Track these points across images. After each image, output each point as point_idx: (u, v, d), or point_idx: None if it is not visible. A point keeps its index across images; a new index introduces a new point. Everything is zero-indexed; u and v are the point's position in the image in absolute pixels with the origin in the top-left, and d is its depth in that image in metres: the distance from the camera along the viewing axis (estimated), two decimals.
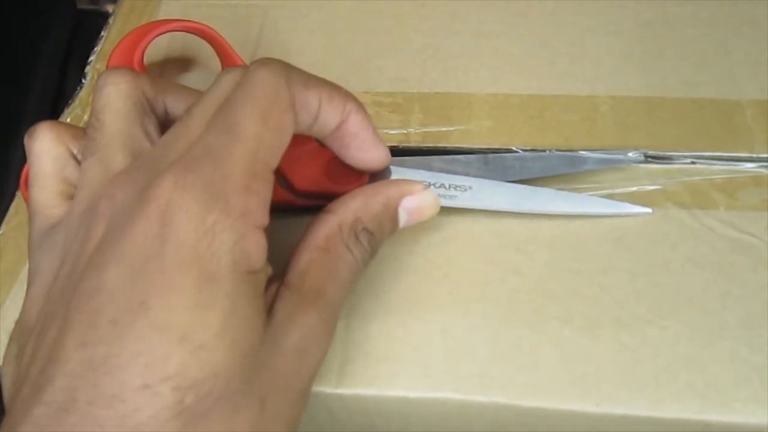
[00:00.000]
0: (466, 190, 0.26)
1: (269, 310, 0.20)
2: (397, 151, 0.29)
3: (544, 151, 0.28)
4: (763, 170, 0.27)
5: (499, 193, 0.26)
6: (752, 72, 0.30)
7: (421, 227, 0.26)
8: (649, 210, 0.26)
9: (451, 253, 0.26)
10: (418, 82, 0.31)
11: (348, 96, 0.22)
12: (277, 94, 0.19)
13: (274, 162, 0.20)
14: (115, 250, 0.17)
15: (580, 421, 0.23)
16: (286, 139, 0.20)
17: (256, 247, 0.18)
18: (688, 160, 0.28)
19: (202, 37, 0.31)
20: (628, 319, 0.24)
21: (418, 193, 0.23)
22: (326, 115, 0.21)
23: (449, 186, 0.26)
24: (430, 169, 0.27)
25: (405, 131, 0.30)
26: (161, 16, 0.36)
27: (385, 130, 0.30)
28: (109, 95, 0.22)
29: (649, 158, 0.28)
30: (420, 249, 0.26)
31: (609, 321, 0.24)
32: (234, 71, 0.21)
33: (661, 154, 0.28)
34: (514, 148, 0.29)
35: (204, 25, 0.31)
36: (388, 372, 0.23)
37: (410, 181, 0.24)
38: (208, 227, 0.17)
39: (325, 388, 0.23)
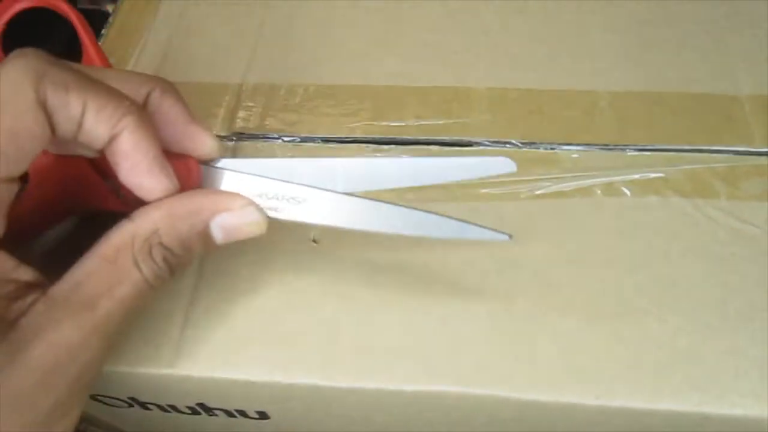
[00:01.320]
0: (300, 202, 0.23)
1: (13, 324, 0.18)
2: (393, 142, 0.29)
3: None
4: (765, 159, 0.27)
5: (337, 208, 0.23)
6: (750, 67, 0.30)
7: None
8: (506, 237, 0.22)
9: (449, 244, 0.26)
10: (417, 77, 0.31)
11: (130, 110, 0.19)
12: (17, 92, 0.17)
13: (13, 169, 0.18)
14: None
15: (579, 413, 0.23)
16: (32, 143, 0.18)
17: None
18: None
19: (60, 13, 0.29)
20: (627, 311, 0.24)
21: (235, 210, 0.21)
22: (92, 125, 0.19)
23: (281, 197, 0.23)
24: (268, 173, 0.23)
25: (403, 124, 0.30)
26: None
27: (384, 123, 0.30)
28: None
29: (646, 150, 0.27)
30: (417, 240, 0.26)
31: (608, 313, 0.24)
32: None
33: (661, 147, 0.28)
34: (513, 141, 0.29)
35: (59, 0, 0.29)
36: (385, 365, 0.23)
37: (229, 194, 0.21)
38: None
39: (320, 381, 0.23)
